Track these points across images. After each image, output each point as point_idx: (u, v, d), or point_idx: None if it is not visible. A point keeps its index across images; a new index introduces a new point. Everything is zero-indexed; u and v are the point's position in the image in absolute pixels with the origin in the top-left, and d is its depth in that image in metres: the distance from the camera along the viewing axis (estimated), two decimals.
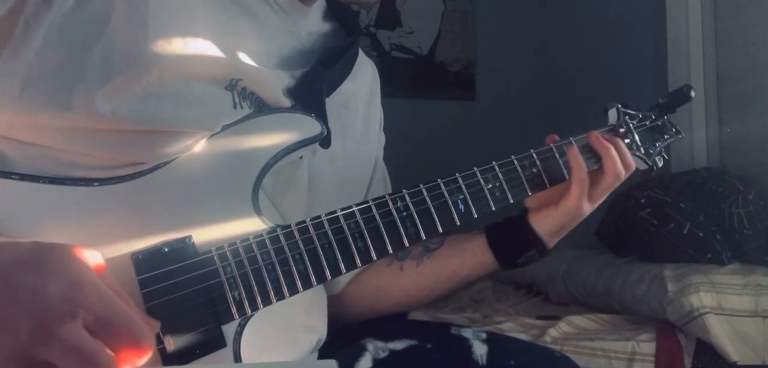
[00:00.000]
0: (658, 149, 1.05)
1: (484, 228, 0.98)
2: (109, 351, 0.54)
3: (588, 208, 0.92)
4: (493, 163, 0.88)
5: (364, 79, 1.02)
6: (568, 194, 0.91)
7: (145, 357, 0.56)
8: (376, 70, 1.07)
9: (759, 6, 2.23)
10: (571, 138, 0.95)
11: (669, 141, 1.07)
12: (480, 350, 0.88)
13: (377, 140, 1.05)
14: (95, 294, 0.54)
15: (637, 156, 1.02)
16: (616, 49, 3.30)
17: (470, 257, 0.97)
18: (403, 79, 3.60)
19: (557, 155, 0.93)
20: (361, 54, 1.02)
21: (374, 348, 0.89)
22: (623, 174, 0.93)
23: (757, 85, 2.24)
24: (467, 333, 0.91)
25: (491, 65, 3.73)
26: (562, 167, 0.92)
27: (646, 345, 1.75)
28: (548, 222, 0.93)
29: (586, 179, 0.91)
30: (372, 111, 1.03)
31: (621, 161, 0.93)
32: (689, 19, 2.49)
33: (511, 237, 0.96)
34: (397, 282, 0.99)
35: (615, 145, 0.94)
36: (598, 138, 0.94)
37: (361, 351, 0.89)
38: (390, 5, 3.65)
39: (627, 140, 1.00)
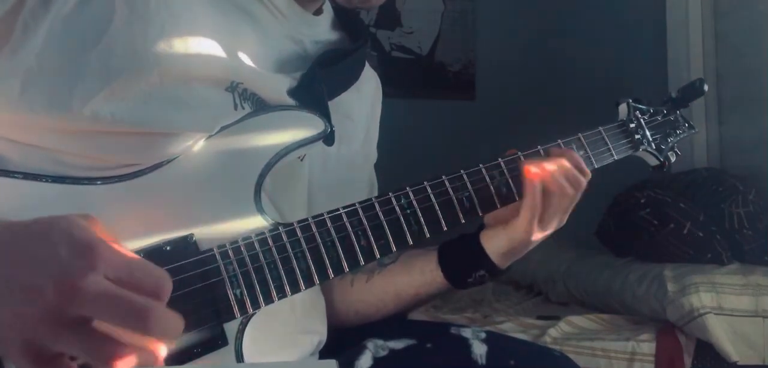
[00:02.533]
0: (671, 144, 1.03)
1: (439, 245, 0.93)
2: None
3: (538, 235, 0.86)
4: (499, 159, 0.86)
5: (367, 92, 1.01)
6: (516, 219, 0.86)
7: (167, 298, 0.56)
8: (380, 84, 1.05)
9: (759, 6, 2.24)
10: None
11: (682, 136, 1.05)
12: (479, 350, 0.88)
13: (373, 153, 1.04)
14: (107, 248, 0.54)
15: (648, 152, 1.01)
16: (616, 49, 3.30)
17: (418, 275, 0.93)
18: (403, 79, 3.61)
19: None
20: (368, 67, 1.01)
21: (374, 347, 0.89)
22: (575, 196, 0.86)
23: (757, 85, 2.24)
24: (467, 333, 0.91)
25: (491, 65, 3.73)
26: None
27: (646, 345, 1.75)
28: (497, 242, 0.88)
29: (538, 203, 0.84)
30: (372, 126, 1.02)
31: (564, 174, 0.85)
32: (689, 19, 2.50)
33: (462, 255, 0.91)
34: (346, 297, 0.96)
35: (563, 163, 0.86)
36: (529, 169, 0.85)
37: (361, 349, 0.89)
38: (390, 5, 3.65)
39: (637, 136, 0.99)
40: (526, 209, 0.84)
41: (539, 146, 0.90)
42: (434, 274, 0.92)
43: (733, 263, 1.94)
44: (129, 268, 0.55)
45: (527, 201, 0.84)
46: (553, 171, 0.84)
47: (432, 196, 0.80)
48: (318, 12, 0.93)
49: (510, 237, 0.87)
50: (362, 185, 1.00)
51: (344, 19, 0.98)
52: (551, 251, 2.41)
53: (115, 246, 0.56)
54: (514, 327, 1.95)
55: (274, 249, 0.71)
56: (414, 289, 0.94)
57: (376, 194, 1.00)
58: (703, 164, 2.41)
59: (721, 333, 1.71)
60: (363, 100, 1.00)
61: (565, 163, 0.86)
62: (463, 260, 0.91)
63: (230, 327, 0.69)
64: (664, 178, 2.18)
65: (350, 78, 0.95)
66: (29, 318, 0.51)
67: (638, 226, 2.11)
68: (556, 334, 1.86)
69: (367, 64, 1.01)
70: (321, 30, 0.93)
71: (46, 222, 0.55)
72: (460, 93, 3.76)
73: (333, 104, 0.88)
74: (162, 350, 0.55)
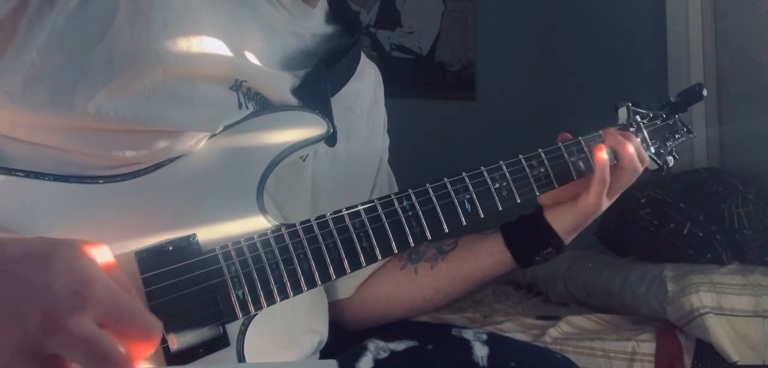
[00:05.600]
0: (669, 148, 1.04)
1: (500, 227, 0.97)
2: (117, 344, 0.54)
3: (606, 204, 0.92)
4: (501, 162, 0.87)
5: (368, 81, 1.02)
6: (587, 192, 0.91)
7: (152, 350, 0.56)
8: (379, 73, 1.06)
9: (759, 6, 2.24)
10: (580, 138, 0.94)
11: (680, 140, 1.06)
12: (481, 351, 0.88)
13: (381, 142, 1.04)
14: (103, 288, 0.54)
15: (647, 155, 1.01)
16: (616, 49, 3.30)
17: (486, 257, 0.96)
18: (403, 79, 3.60)
19: (566, 155, 0.92)
20: (364, 57, 1.02)
21: (375, 348, 0.89)
22: (641, 169, 0.93)
23: (757, 85, 2.24)
24: (468, 335, 0.91)
25: (491, 65, 3.73)
26: (571, 166, 0.92)
27: (646, 345, 1.75)
28: (566, 220, 0.93)
29: (608, 178, 0.90)
30: (376, 112, 1.03)
31: (638, 155, 0.93)
32: (689, 19, 2.49)
33: (527, 235, 0.95)
34: (412, 285, 0.98)
35: (631, 140, 0.94)
36: (614, 135, 0.94)
37: (362, 350, 0.89)
38: (390, 5, 3.65)
39: (637, 140, 1.00)
40: (597, 183, 0.90)
41: (540, 149, 0.91)
42: (503, 255, 0.95)
43: (733, 263, 1.94)
44: (119, 313, 0.55)
45: (598, 173, 0.90)
46: (626, 145, 0.92)
47: (434, 198, 0.80)
48: (313, 5, 0.93)
49: (579, 213, 0.92)
50: (372, 175, 1.01)
51: (338, 11, 0.99)
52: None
53: (114, 286, 0.56)
54: (514, 327, 1.95)
55: (276, 250, 0.71)
56: (482, 271, 0.97)
57: (395, 185, 1.02)
58: (703, 164, 2.40)
59: (721, 333, 1.70)
60: (363, 88, 1.00)
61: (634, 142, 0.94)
62: (530, 240, 0.95)
63: (232, 328, 0.69)
64: (664, 178, 2.18)
65: (349, 71, 0.96)
66: (8, 342, 0.51)
67: (638, 226, 2.11)
68: (556, 334, 1.86)
69: (363, 55, 1.01)
70: (317, 22, 0.94)
71: (51, 246, 0.54)
72: (460, 93, 3.76)
73: (336, 99, 0.89)
74: None
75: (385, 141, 1.05)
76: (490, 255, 0.96)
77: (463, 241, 0.98)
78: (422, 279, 0.98)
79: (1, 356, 0.51)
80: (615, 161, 0.93)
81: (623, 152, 0.92)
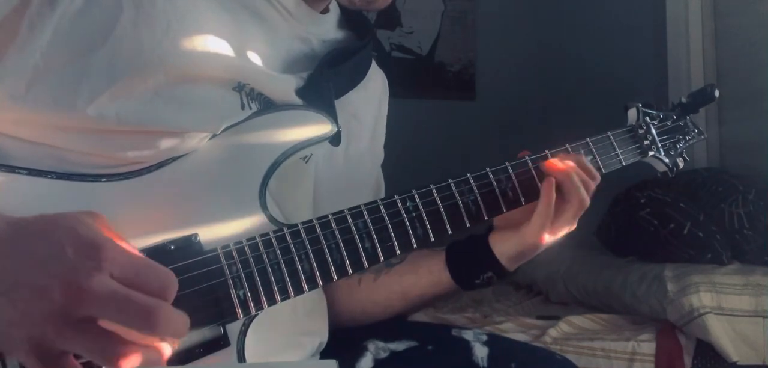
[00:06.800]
0: (680, 150, 1.02)
1: (447, 245, 0.92)
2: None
3: (548, 240, 0.86)
4: (506, 163, 0.85)
5: (374, 90, 1.00)
6: (528, 223, 0.85)
7: (172, 297, 0.56)
8: (387, 82, 1.04)
9: (759, 6, 2.24)
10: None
11: (691, 142, 1.04)
12: (481, 352, 0.87)
13: (380, 153, 1.03)
14: (113, 247, 0.55)
15: (656, 157, 1.00)
16: (616, 49, 3.30)
17: (426, 274, 0.92)
18: (403, 79, 3.60)
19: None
20: (374, 65, 1.00)
21: (375, 349, 0.89)
22: (587, 201, 0.85)
23: (757, 86, 2.24)
24: (468, 335, 0.90)
25: (491, 65, 3.74)
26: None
27: (646, 345, 1.75)
28: (507, 245, 0.88)
29: (551, 212, 0.84)
30: (379, 124, 1.02)
31: (584, 184, 0.85)
32: (689, 19, 2.50)
33: (469, 256, 0.91)
34: (352, 295, 0.96)
35: (578, 164, 0.87)
36: (554, 163, 0.85)
37: (362, 351, 0.89)
38: (390, 5, 3.65)
39: (646, 141, 0.98)
40: (540, 214, 0.84)
41: (547, 151, 0.88)
42: (442, 275, 0.92)
43: (733, 263, 1.94)
44: (135, 267, 0.55)
45: (542, 206, 0.84)
46: (569, 172, 0.85)
47: (438, 199, 0.80)
48: (325, 11, 0.92)
49: (520, 242, 0.87)
50: (369, 185, 1.00)
51: (350, 17, 0.98)
52: (551, 251, 2.40)
53: (122, 245, 0.57)
54: (514, 327, 1.95)
55: (277, 250, 0.70)
56: (421, 289, 0.93)
57: (382, 194, 1.00)
58: (703, 164, 2.41)
59: (721, 333, 1.71)
60: (370, 98, 0.99)
61: (582, 162, 0.87)
62: (470, 262, 0.91)
63: (232, 328, 0.69)
64: (664, 178, 2.18)
65: (357, 76, 0.95)
66: (36, 317, 0.51)
67: (638, 226, 2.11)
68: (556, 334, 1.86)
69: (373, 62, 1.00)
70: (328, 28, 0.93)
71: (52, 220, 0.55)
72: (460, 93, 3.76)
73: (340, 103, 0.88)
74: (166, 349, 0.56)
75: (381, 154, 1.03)
76: (429, 273, 0.92)
77: (411, 256, 0.93)
78: (363, 291, 0.95)
79: (31, 332, 0.51)
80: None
81: (566, 181, 0.84)
